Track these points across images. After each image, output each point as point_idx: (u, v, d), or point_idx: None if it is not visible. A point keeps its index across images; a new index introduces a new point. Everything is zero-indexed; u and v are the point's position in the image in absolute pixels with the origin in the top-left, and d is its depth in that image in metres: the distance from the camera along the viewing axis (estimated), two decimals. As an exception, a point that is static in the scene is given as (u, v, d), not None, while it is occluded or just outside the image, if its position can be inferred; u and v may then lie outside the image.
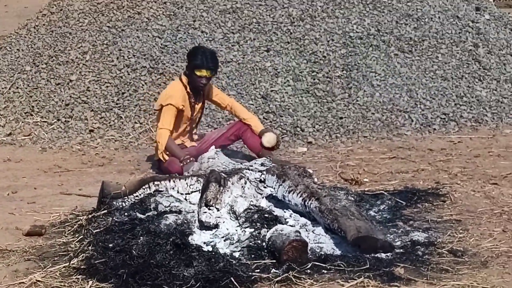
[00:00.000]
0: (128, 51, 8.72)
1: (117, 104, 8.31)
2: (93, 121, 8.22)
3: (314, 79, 8.46)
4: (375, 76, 8.59)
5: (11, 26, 11.88)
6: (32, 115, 8.49)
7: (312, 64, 8.59)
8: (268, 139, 6.99)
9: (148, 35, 8.76)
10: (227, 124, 7.59)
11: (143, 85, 8.41)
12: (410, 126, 8.16)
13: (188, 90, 6.98)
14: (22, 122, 8.42)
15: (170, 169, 6.78)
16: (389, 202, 6.00)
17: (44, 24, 9.47)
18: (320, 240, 5.20)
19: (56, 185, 6.85)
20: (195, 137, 7.25)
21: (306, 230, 5.33)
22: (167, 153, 6.88)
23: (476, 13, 9.66)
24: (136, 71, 8.54)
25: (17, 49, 9.34)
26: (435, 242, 5.24)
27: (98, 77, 8.61)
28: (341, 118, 8.13)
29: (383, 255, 4.99)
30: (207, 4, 9.02)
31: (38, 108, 8.53)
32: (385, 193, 6.18)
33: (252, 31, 8.83)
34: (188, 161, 6.77)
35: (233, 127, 7.18)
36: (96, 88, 8.52)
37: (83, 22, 9.20)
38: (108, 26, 9.04)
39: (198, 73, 6.87)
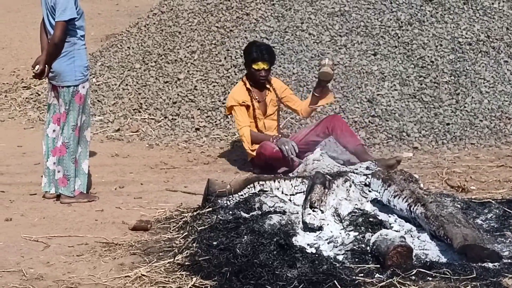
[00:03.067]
0: (236, 51, 8.79)
1: (223, 103, 8.39)
2: (199, 120, 8.32)
3: (421, 84, 8.35)
4: (483, 83, 8.41)
5: (122, 24, 12.14)
6: (140, 112, 8.65)
7: (420, 69, 8.48)
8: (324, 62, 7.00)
9: (256, 36, 8.81)
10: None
11: (249, 85, 8.46)
12: (519, 135, 7.97)
13: (248, 86, 7.14)
14: (130, 118, 8.60)
15: (264, 152, 6.88)
16: (497, 211, 5.82)
17: (154, 23, 9.64)
18: (425, 247, 5.13)
19: (162, 181, 6.95)
20: (284, 131, 7.31)
21: (411, 236, 5.27)
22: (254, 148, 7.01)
23: None
24: (243, 71, 8.59)
25: (128, 47, 9.53)
26: (545, 254, 5.11)
27: (205, 76, 8.72)
28: (448, 124, 8.00)
29: (490, 265, 4.89)
30: (315, 6, 9.00)
31: (146, 105, 8.69)
32: (493, 201, 6.02)
33: (359, 34, 8.77)
34: (279, 137, 6.93)
35: (321, 123, 7.18)
36: (203, 87, 8.63)
37: (193, 22, 9.32)
38: (217, 26, 9.13)
39: (255, 67, 7.07)
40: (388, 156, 7.45)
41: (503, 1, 9.19)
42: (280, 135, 7.09)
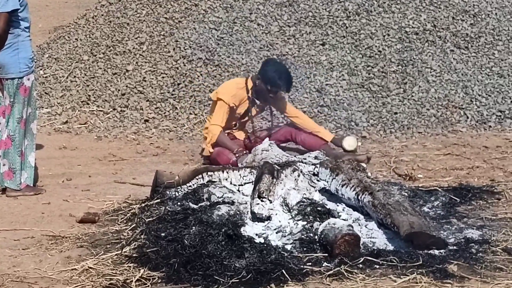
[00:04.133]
0: (185, 43, 8.76)
1: (172, 94, 8.37)
2: (148, 111, 8.28)
3: (369, 74, 8.41)
4: (430, 72, 8.51)
5: (70, 16, 12.03)
6: (88, 104, 8.59)
7: (368, 59, 8.54)
8: (349, 143, 7.03)
9: (205, 27, 8.79)
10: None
11: (198, 76, 8.45)
12: (466, 123, 8.07)
13: (250, 95, 7.02)
14: (79, 110, 8.53)
15: (218, 160, 6.82)
16: (443, 199, 5.94)
17: (102, 15, 9.56)
18: (372, 235, 5.18)
19: (110, 173, 6.91)
20: (249, 129, 7.27)
21: (359, 225, 5.31)
22: (213, 148, 6.92)
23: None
24: (192, 62, 8.58)
25: (76, 39, 9.44)
26: (489, 240, 5.17)
27: (154, 68, 8.68)
28: (395, 113, 8.07)
29: (436, 252, 4.96)
30: (264, -3, 9.02)
31: (94, 97, 8.62)
32: (439, 189, 6.13)
33: (308, 24, 8.80)
34: (243, 153, 6.80)
35: (282, 129, 7.20)
36: (152, 79, 8.58)
37: (141, 13, 9.27)
38: (165, 17, 9.09)
39: (272, 89, 6.97)
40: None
41: (449, -9, 9.29)
42: (244, 151, 6.88)
